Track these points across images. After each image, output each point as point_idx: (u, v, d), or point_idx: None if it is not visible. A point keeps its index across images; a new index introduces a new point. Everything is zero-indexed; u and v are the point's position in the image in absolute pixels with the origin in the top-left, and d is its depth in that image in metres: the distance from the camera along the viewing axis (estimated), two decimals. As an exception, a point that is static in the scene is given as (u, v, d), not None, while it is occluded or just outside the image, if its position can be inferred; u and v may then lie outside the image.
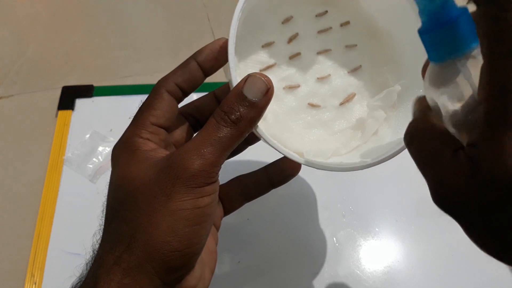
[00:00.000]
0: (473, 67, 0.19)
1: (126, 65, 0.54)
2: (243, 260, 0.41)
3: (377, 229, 0.43)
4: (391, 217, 0.44)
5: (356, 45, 0.34)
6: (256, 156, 0.42)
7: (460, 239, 0.42)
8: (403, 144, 0.28)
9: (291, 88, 0.32)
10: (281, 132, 0.30)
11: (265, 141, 0.27)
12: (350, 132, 0.33)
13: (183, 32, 0.58)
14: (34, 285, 0.38)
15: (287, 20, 0.33)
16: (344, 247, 0.42)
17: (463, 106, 0.20)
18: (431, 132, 0.21)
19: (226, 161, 0.26)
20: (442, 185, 0.19)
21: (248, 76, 0.25)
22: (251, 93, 0.25)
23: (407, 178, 0.46)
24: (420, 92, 0.30)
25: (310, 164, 0.28)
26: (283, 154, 0.27)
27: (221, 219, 0.32)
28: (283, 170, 0.33)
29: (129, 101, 0.49)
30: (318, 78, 0.33)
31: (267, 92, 0.25)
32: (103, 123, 0.47)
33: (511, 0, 0.16)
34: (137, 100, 0.28)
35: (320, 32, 0.33)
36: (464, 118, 0.20)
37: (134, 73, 0.53)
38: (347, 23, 0.34)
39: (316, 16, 0.33)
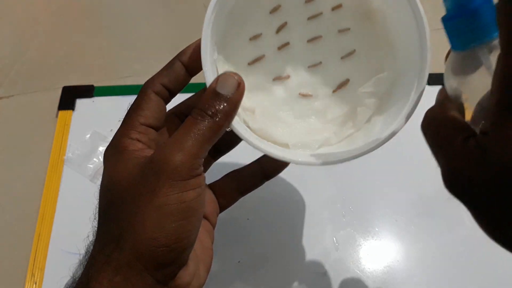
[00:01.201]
0: (494, 56, 0.20)
1: (126, 65, 0.54)
2: (243, 260, 0.41)
3: (377, 229, 0.43)
4: (391, 217, 0.44)
5: (349, 29, 0.32)
6: (248, 149, 0.42)
7: (459, 239, 0.42)
8: (391, 131, 0.27)
9: (281, 79, 0.31)
10: (268, 125, 0.30)
11: (246, 141, 0.27)
12: (342, 121, 0.32)
13: (183, 32, 0.58)
14: (34, 285, 0.38)
15: (275, 10, 0.32)
16: (344, 247, 0.42)
17: (481, 95, 0.20)
18: (445, 119, 0.22)
19: (219, 157, 0.26)
20: (452, 171, 0.20)
21: (219, 76, 0.26)
22: (224, 90, 0.26)
23: (407, 178, 0.46)
24: (413, 77, 0.29)
25: (293, 161, 0.27)
26: (263, 152, 0.27)
27: (217, 215, 0.33)
28: (275, 161, 0.34)
29: (129, 101, 0.48)
30: (309, 67, 0.32)
31: (239, 87, 0.26)
32: (103, 123, 0.47)
33: None
34: (138, 101, 0.28)
35: (310, 18, 0.32)
36: (480, 107, 0.20)
37: (134, 73, 0.53)
38: (339, 6, 0.32)
39: (306, 2, 0.32)
